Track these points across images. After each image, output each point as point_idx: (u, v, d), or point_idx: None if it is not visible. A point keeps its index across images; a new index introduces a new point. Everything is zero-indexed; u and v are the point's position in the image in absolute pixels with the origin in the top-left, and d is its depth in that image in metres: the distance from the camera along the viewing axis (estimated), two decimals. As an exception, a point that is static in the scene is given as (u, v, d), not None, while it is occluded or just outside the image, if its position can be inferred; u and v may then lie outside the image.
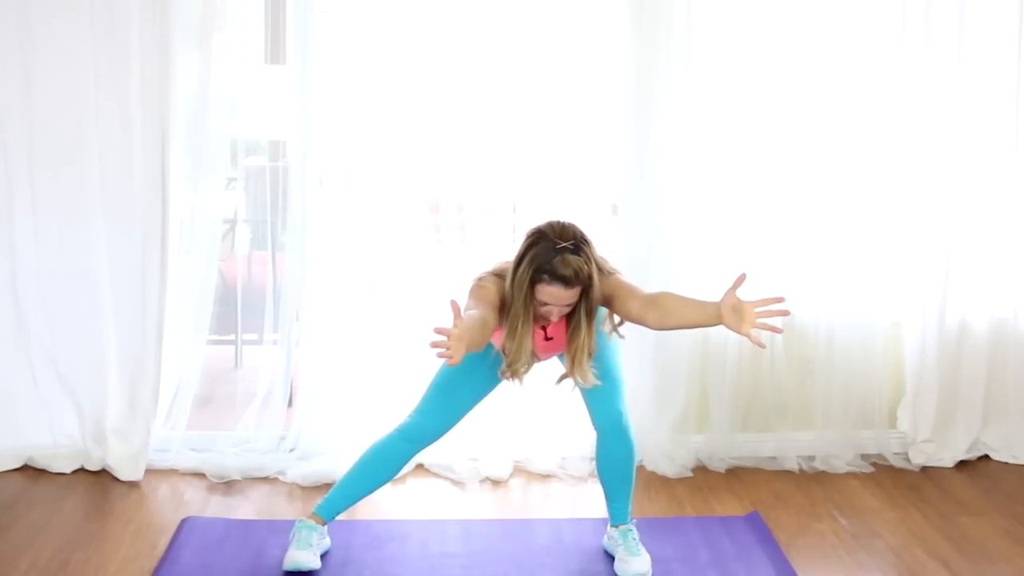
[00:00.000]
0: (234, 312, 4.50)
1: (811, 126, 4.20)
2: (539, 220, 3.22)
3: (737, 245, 4.21)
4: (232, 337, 4.77)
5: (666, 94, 4.11)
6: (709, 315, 3.07)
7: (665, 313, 3.13)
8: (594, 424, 3.42)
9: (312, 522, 3.43)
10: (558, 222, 3.17)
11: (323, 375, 4.21)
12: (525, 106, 4.23)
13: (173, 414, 4.20)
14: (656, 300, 3.16)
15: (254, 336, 4.57)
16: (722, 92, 4.15)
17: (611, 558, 3.48)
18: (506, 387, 4.22)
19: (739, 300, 3.00)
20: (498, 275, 3.22)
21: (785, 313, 3.00)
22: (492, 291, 3.17)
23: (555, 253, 3.08)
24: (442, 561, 3.48)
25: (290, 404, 4.32)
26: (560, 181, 4.29)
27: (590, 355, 3.23)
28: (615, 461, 3.43)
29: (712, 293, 4.09)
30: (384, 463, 3.44)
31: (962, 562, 3.53)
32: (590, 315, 3.20)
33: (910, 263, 4.32)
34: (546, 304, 3.14)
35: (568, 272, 3.07)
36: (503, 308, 3.17)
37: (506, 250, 4.05)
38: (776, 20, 4.14)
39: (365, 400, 4.19)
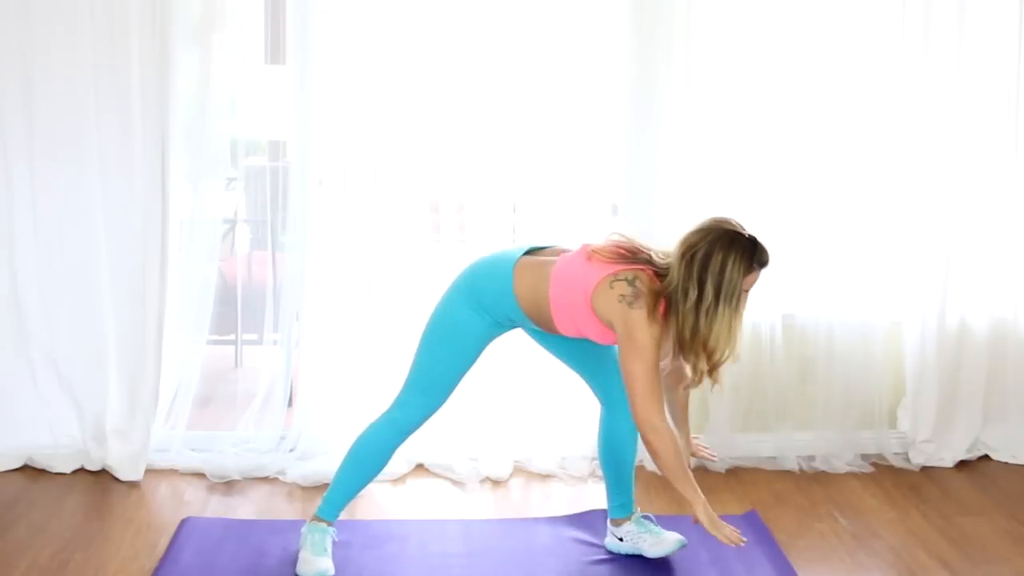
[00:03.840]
0: (234, 312, 4.50)
1: (811, 126, 4.20)
2: (698, 221, 3.13)
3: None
4: (232, 337, 4.76)
5: (666, 94, 4.10)
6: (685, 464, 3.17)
7: (673, 406, 3.36)
8: (599, 397, 3.42)
9: (323, 524, 3.40)
10: (720, 216, 3.10)
11: (323, 375, 4.21)
12: (525, 106, 4.23)
13: (173, 414, 4.20)
14: (679, 386, 3.34)
15: (254, 336, 4.56)
16: (722, 92, 4.15)
17: (611, 558, 3.48)
18: (505, 386, 4.26)
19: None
20: (626, 278, 3.09)
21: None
22: (650, 300, 3.05)
23: (750, 240, 3.03)
24: (442, 561, 3.48)
25: (290, 404, 4.31)
26: (560, 181, 4.29)
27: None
28: (621, 437, 3.42)
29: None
30: (374, 453, 3.38)
31: (962, 562, 3.53)
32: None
33: (910, 263, 4.32)
34: (744, 292, 3.08)
35: (768, 253, 3.06)
36: (656, 300, 3.06)
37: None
38: (776, 20, 4.14)
39: (365, 400, 4.18)
